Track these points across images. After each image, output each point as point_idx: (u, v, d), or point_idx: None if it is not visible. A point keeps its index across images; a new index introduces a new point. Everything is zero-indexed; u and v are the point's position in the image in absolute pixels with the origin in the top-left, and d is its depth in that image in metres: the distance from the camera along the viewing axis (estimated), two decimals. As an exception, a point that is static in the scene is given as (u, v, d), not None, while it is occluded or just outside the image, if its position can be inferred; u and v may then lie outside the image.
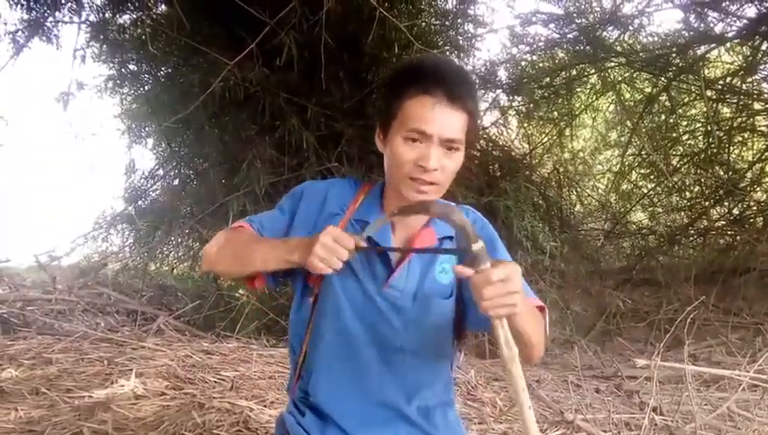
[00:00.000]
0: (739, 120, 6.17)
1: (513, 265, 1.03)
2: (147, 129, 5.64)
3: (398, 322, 1.24)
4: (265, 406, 2.64)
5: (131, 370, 2.93)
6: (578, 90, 6.59)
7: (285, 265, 1.19)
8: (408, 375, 1.26)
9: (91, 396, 2.60)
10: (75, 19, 4.74)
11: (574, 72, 6.17)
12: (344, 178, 1.40)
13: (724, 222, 6.46)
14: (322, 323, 1.26)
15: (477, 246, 0.99)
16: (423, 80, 1.15)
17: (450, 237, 1.28)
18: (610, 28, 5.81)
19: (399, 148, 1.17)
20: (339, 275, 1.20)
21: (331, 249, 1.10)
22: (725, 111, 6.40)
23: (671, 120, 6.55)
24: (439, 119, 1.14)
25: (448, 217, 1.05)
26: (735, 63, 6.17)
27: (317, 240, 1.10)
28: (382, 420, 1.25)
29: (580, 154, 8.09)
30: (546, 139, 6.90)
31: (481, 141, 5.16)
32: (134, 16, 4.94)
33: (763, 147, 6.35)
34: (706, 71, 6.14)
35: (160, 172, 5.82)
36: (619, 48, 5.87)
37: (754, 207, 6.25)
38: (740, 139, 6.36)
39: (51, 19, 4.72)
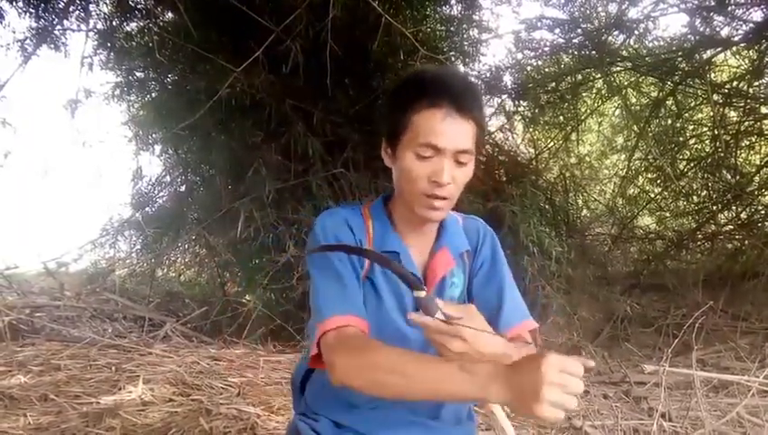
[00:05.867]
0: (746, 123, 6.16)
1: (466, 308, 1.01)
2: (154, 136, 5.67)
3: (425, 347, 1.19)
4: (272, 412, 2.64)
5: (139, 376, 2.94)
6: (584, 94, 6.59)
7: (471, 401, 1.08)
8: (436, 402, 1.25)
9: (98, 402, 2.61)
10: (83, 27, 4.80)
11: (580, 77, 6.18)
12: (342, 208, 1.29)
13: (731, 226, 6.42)
14: None
15: (419, 293, 0.97)
16: (429, 92, 1.12)
17: (464, 252, 1.29)
18: (616, 33, 5.82)
19: (411, 164, 1.14)
20: (364, 300, 1.18)
21: (565, 385, 0.86)
22: (732, 114, 6.38)
23: (678, 125, 6.54)
24: (450, 131, 1.11)
25: (388, 266, 1.01)
26: (742, 67, 6.16)
27: (542, 383, 0.84)
28: (402, 425, 1.24)
29: (587, 159, 8.07)
30: (552, 143, 6.90)
31: (486, 146, 5.16)
32: (141, 24, 4.99)
33: (771, 151, 6.33)
34: (713, 75, 6.14)
35: (167, 179, 5.86)
36: (624, 53, 5.87)
37: (762, 211, 6.22)
38: (747, 142, 6.34)
39: (59, 27, 4.76)
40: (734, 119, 6.31)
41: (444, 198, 1.15)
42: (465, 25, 5.33)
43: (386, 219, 1.26)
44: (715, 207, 6.35)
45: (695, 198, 6.61)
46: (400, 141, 1.16)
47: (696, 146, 6.62)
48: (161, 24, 4.89)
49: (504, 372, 0.90)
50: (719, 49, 5.78)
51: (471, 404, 1.37)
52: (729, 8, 5.51)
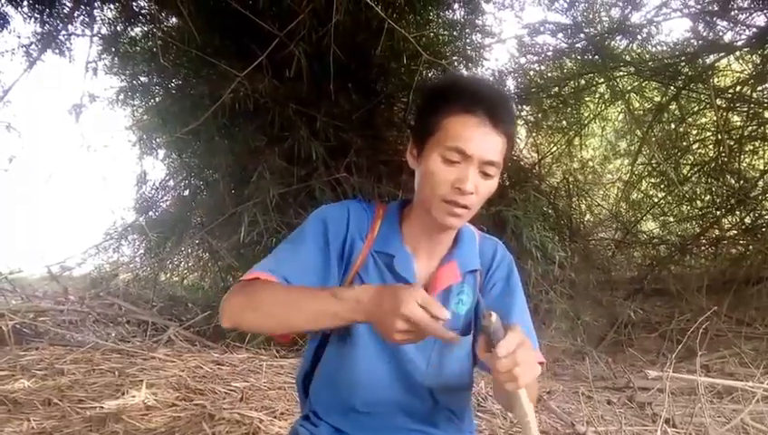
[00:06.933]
0: (750, 128, 6.14)
1: (522, 339, 0.96)
2: (157, 140, 5.70)
3: (421, 360, 1.20)
4: (275, 417, 2.63)
5: (142, 381, 2.94)
6: (587, 99, 6.59)
7: (343, 323, 1.06)
8: (432, 410, 1.24)
9: (102, 407, 2.61)
10: (87, 32, 4.83)
11: (583, 82, 6.17)
12: (357, 201, 1.30)
13: (735, 231, 6.41)
14: (341, 360, 1.21)
15: (489, 319, 0.95)
16: (466, 99, 1.11)
17: (473, 271, 1.26)
18: (619, 37, 5.82)
19: (437, 167, 1.12)
20: None
21: (419, 321, 0.95)
22: (736, 119, 6.38)
23: (681, 129, 6.54)
24: (481, 140, 1.10)
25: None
26: (745, 72, 6.15)
27: (399, 311, 0.95)
28: (402, 432, 1.24)
29: (590, 163, 8.07)
30: (555, 148, 6.90)
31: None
32: (145, 29, 5.02)
33: (775, 155, 6.31)
34: (716, 79, 6.13)
35: (171, 183, 5.88)
36: (627, 57, 5.87)
37: (766, 216, 6.20)
38: (751, 147, 6.32)
39: (63, 32, 4.80)
40: (738, 123, 6.30)
41: (464, 207, 1.13)
42: (467, 30, 5.35)
43: (395, 222, 1.25)
44: (718, 212, 6.34)
45: (698, 202, 6.59)
46: (428, 143, 1.14)
47: (699, 151, 6.60)
48: (165, 29, 4.92)
49: (369, 297, 1.01)
50: (722, 54, 5.78)
51: (471, 410, 1.37)
52: (732, 13, 5.51)
